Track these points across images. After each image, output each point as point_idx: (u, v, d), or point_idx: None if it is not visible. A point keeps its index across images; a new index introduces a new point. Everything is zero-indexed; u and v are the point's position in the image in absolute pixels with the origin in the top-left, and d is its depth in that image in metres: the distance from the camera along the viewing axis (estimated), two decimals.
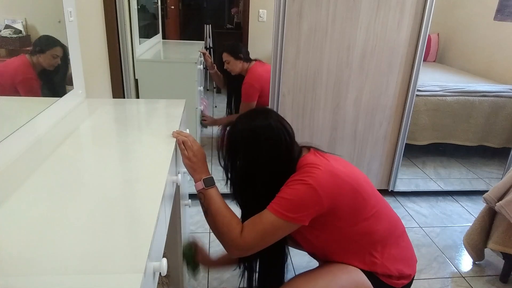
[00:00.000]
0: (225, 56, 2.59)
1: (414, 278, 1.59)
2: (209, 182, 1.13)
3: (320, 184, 1.02)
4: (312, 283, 1.09)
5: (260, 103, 2.63)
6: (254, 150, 1.10)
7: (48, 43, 1.09)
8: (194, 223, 2.04)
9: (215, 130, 3.42)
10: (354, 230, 1.11)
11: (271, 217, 1.03)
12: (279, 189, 1.07)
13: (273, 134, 1.09)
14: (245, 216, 1.13)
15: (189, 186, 2.24)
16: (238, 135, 1.13)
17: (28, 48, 1.05)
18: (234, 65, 2.59)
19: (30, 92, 1.08)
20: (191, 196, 1.72)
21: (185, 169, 1.36)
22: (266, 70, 2.33)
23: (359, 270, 1.13)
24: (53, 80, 1.20)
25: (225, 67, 2.62)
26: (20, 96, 1.03)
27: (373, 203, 1.13)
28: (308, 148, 1.17)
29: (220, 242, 1.11)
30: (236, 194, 1.20)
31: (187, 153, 1.14)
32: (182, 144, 1.14)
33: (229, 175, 1.18)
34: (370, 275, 1.14)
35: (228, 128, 1.16)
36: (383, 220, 1.16)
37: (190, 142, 1.14)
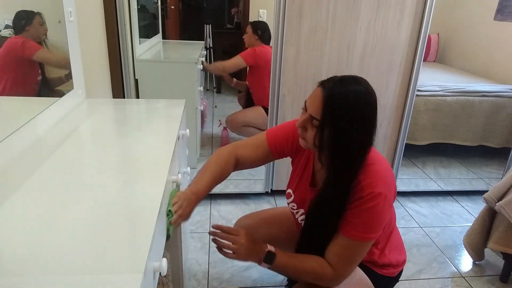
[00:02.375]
0: (247, 27, 2.78)
1: (415, 278, 1.60)
2: (270, 257, 1.06)
3: (390, 191, 1.01)
4: None
5: (257, 76, 2.76)
6: (354, 114, 0.96)
7: (28, 13, 1.10)
8: (194, 223, 2.04)
9: (215, 129, 3.42)
10: None
11: (360, 245, 1.02)
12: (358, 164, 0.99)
13: (372, 102, 0.98)
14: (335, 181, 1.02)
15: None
16: (340, 96, 0.96)
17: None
18: (249, 38, 2.76)
19: (35, 48, 1.12)
20: None
21: (185, 169, 1.36)
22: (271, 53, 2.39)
23: (357, 267, 1.14)
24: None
25: (243, 36, 2.82)
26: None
27: None
28: None
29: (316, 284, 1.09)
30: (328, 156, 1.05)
31: (230, 253, 1.07)
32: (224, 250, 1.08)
33: (321, 138, 1.00)
34: (366, 268, 1.15)
35: (327, 87, 0.98)
36: (393, 209, 1.18)
37: (226, 238, 1.07)
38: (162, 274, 0.71)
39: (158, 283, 1.07)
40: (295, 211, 1.24)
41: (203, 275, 1.71)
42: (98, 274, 0.58)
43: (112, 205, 0.76)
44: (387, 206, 1.00)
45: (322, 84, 0.98)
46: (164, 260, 0.72)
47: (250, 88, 2.91)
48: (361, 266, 1.15)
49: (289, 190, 1.24)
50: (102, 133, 1.15)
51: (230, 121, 2.92)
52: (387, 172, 1.04)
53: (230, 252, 1.07)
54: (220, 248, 1.09)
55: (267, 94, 2.17)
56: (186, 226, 1.59)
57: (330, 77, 1.00)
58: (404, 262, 1.22)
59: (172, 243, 1.31)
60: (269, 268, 1.09)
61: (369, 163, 1.01)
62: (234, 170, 1.22)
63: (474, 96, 2.65)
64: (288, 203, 1.26)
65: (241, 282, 1.68)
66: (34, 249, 0.62)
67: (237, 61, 2.71)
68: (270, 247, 1.07)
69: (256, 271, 1.74)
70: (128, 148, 1.06)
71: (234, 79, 3.02)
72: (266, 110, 2.57)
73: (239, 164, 1.20)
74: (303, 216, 1.18)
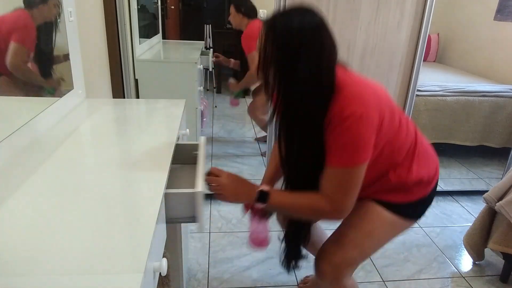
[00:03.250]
0: (231, 9, 2.63)
1: (415, 278, 1.59)
2: (263, 196, 1.03)
3: (367, 107, 0.93)
4: (351, 247, 1.11)
5: None
6: (304, 51, 0.91)
7: None
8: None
9: (215, 129, 3.42)
10: (392, 143, 1.05)
11: (350, 171, 0.97)
12: (323, 108, 0.94)
13: (317, 23, 0.92)
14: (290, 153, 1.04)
15: None
16: (283, 33, 0.91)
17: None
18: (234, 18, 2.61)
19: (24, 41, 1.03)
20: None
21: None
22: None
23: (378, 208, 1.12)
24: (48, 37, 1.17)
25: (229, 18, 2.67)
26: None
27: (397, 110, 1.07)
28: None
29: (320, 220, 1.07)
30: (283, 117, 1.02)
31: (217, 191, 1.04)
32: (213, 188, 1.05)
33: (272, 89, 0.98)
34: (392, 205, 1.11)
35: (268, 24, 0.94)
36: (409, 125, 1.11)
37: (214, 180, 1.04)
38: (162, 274, 0.71)
39: (158, 283, 1.08)
40: None
41: (203, 275, 1.71)
42: (98, 274, 0.58)
43: (112, 205, 0.76)
44: (367, 125, 0.93)
45: (265, 22, 0.96)
46: (164, 260, 0.72)
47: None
48: (387, 205, 1.11)
49: None
50: (102, 133, 1.15)
51: (252, 109, 2.87)
52: (361, 90, 0.96)
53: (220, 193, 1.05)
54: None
55: None
56: (186, 226, 1.59)
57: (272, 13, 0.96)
58: (436, 173, 1.15)
59: (172, 243, 1.31)
60: (266, 208, 1.06)
61: (340, 88, 0.95)
62: None
63: (474, 96, 2.65)
64: None
65: (241, 282, 1.68)
66: (34, 249, 0.62)
67: (253, 58, 2.52)
68: (264, 187, 1.04)
69: (256, 271, 1.75)
70: (128, 148, 1.06)
71: (231, 60, 2.93)
72: None
73: None
74: None
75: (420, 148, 1.13)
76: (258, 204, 1.04)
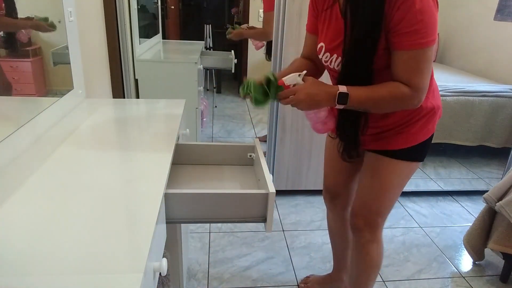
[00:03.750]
0: None
1: (415, 278, 1.59)
2: (343, 97, 1.00)
3: None
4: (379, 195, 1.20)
5: None
6: None
7: None
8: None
9: (215, 130, 3.43)
10: None
11: (424, 52, 0.97)
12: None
13: None
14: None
15: None
16: None
17: (28, 48, 1.03)
18: None
19: None
20: None
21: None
22: None
23: (389, 162, 1.17)
24: None
25: None
26: None
27: None
28: None
29: (399, 109, 1.08)
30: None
31: (296, 104, 1.03)
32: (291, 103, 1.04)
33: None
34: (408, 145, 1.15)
35: None
36: None
37: (292, 97, 1.02)
38: (162, 274, 0.71)
39: (158, 283, 1.08)
40: (329, 62, 1.17)
41: (203, 275, 1.71)
42: (98, 274, 0.58)
43: (112, 205, 0.77)
44: (433, 3, 0.94)
45: None
46: (164, 260, 0.72)
47: None
48: (398, 154, 1.15)
49: (320, 44, 1.19)
50: (102, 133, 1.15)
51: None
52: None
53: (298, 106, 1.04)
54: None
55: None
56: (186, 226, 1.59)
57: None
58: (440, 111, 1.19)
59: (172, 243, 1.31)
60: (345, 108, 1.04)
61: None
62: (317, 67, 1.27)
63: (474, 96, 2.65)
64: (321, 59, 1.20)
65: (241, 282, 1.68)
66: (34, 249, 0.62)
67: (268, 17, 2.46)
68: (341, 87, 1.01)
69: (256, 271, 1.75)
70: (128, 148, 1.06)
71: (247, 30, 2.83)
72: None
73: (312, 60, 1.28)
74: (338, 60, 1.12)
75: (432, 81, 1.15)
76: (339, 107, 1.02)
